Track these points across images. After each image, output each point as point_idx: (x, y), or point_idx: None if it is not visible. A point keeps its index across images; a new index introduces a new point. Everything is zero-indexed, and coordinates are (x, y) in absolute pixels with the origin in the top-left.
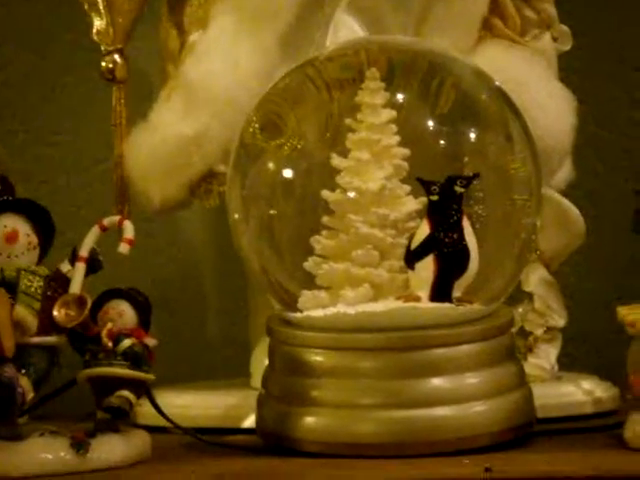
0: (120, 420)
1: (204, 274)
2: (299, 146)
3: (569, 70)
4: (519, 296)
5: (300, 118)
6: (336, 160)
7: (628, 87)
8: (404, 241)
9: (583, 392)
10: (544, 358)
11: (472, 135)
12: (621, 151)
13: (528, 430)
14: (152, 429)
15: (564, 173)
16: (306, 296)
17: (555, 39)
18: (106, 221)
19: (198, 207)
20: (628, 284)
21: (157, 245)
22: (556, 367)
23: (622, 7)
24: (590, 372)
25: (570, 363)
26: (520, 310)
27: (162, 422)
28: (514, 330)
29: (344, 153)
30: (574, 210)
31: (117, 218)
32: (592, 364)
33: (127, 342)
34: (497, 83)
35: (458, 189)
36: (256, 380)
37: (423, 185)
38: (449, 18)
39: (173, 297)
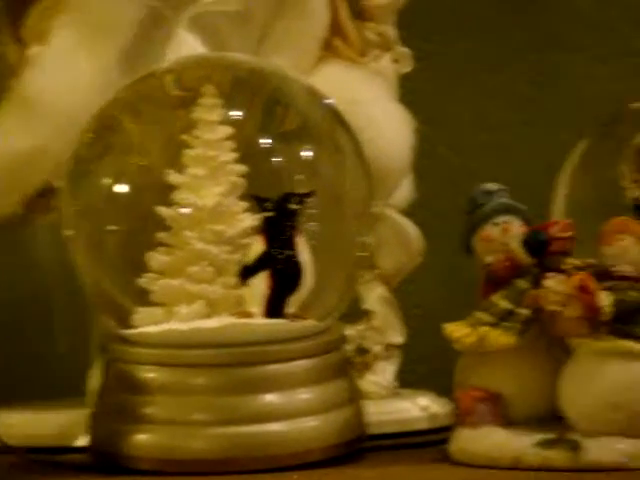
0: None
1: (52, 291)
2: (135, 161)
3: (418, 92)
4: (358, 314)
5: (136, 132)
6: (172, 176)
7: (477, 110)
8: (239, 257)
9: (419, 408)
10: (381, 375)
11: (306, 153)
12: (468, 173)
13: (359, 445)
14: None
15: (405, 192)
16: (141, 313)
17: (395, 61)
18: None
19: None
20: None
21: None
22: (394, 384)
23: (474, 30)
24: (438, 390)
25: (417, 381)
26: (359, 327)
27: None
28: (353, 347)
29: (182, 169)
30: (413, 229)
31: None
32: (439, 382)
33: None
34: (330, 102)
35: (292, 206)
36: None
37: (257, 202)
38: (289, 37)
39: (19, 316)
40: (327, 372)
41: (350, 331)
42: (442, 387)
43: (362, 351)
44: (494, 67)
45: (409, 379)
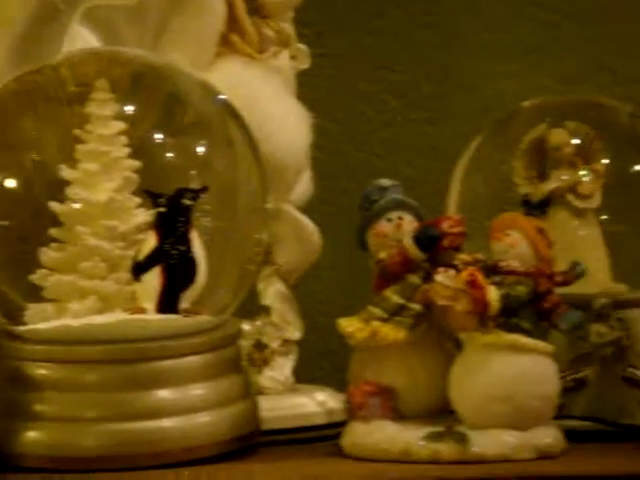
0: None
1: None
2: (26, 156)
3: (323, 90)
4: (257, 309)
5: (28, 126)
6: (65, 171)
7: (380, 108)
8: (133, 253)
9: (316, 403)
10: (279, 370)
11: (200, 149)
12: (371, 169)
13: (253, 440)
14: None
15: (304, 189)
16: (32, 309)
17: (293, 57)
18: None
19: None
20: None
21: None
22: (291, 379)
23: (377, 30)
24: (343, 385)
25: (323, 376)
26: (258, 323)
27: None
28: (251, 343)
29: (75, 164)
30: (310, 225)
31: None
32: (345, 377)
33: None
34: (224, 97)
35: (186, 202)
36: None
37: (150, 197)
38: (185, 33)
39: None
40: (221, 367)
41: (248, 327)
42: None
43: (260, 346)
44: (396, 65)
45: (316, 374)
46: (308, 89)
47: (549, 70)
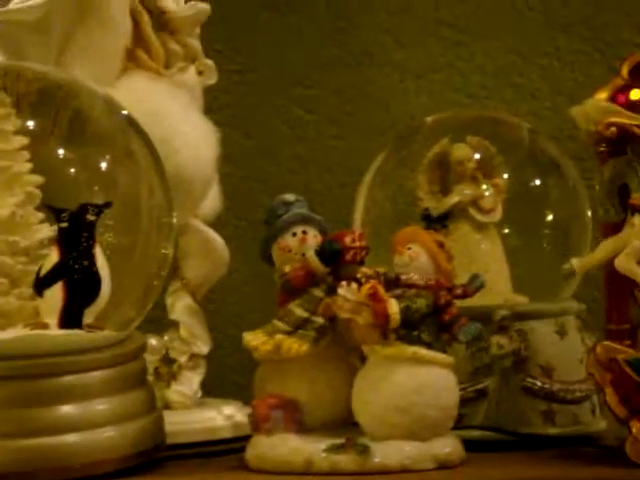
0: None
1: None
2: None
3: (238, 105)
4: (166, 324)
5: None
6: None
7: (293, 123)
8: (36, 268)
9: (223, 417)
10: (187, 385)
11: (103, 164)
12: (285, 184)
13: (157, 455)
14: None
15: (212, 203)
16: None
17: (200, 73)
18: None
19: None
20: None
21: None
22: (199, 393)
23: (290, 47)
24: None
25: (237, 390)
26: (166, 338)
27: None
28: (159, 357)
29: None
30: (218, 240)
31: None
32: None
33: None
34: (126, 113)
35: (89, 217)
36: None
37: (53, 212)
38: (90, 48)
39: None
40: (124, 382)
41: (156, 341)
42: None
43: (168, 361)
44: (308, 81)
45: (228, 388)
46: (222, 104)
47: (457, 86)
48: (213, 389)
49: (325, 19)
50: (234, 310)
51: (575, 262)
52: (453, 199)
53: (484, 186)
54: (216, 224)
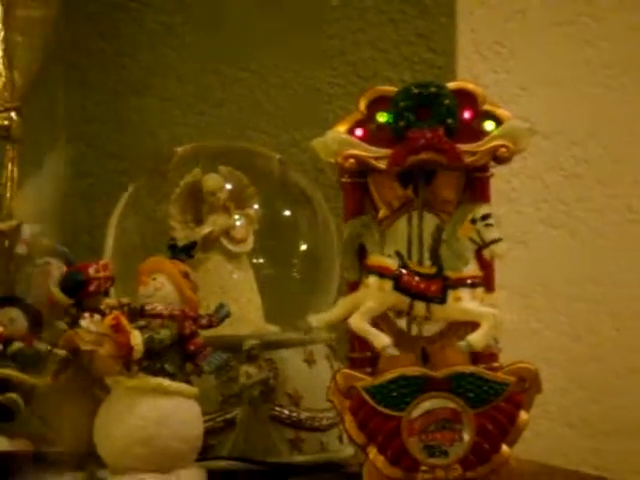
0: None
1: None
2: None
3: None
4: None
5: None
6: None
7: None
8: None
9: None
10: None
11: None
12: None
13: None
14: None
15: None
16: None
17: None
18: None
19: None
20: None
21: None
22: None
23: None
24: None
25: None
26: None
27: None
28: None
29: None
30: None
31: None
32: None
33: (17, 345)
34: None
35: None
36: None
37: None
38: None
39: None
40: None
41: None
42: None
43: None
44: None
45: None
46: None
47: (223, 119)
48: None
49: (108, 54)
50: None
51: (314, 319)
52: (205, 229)
53: (236, 216)
54: None
